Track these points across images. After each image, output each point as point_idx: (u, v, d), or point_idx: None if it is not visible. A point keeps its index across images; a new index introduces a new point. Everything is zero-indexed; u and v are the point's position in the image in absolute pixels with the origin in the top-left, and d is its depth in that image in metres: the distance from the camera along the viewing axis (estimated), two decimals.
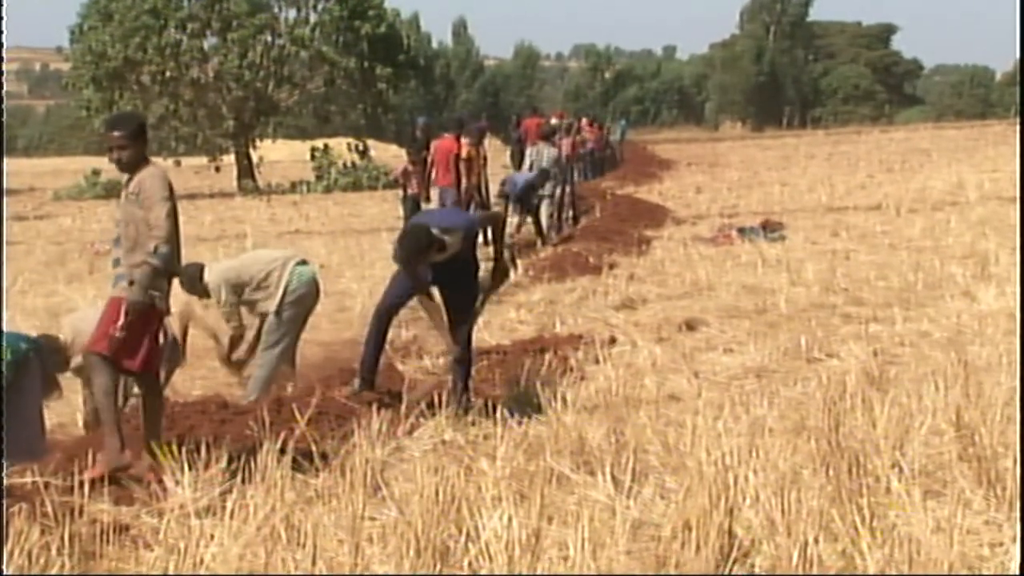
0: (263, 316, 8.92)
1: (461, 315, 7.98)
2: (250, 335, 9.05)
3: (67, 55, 41.93)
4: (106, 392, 6.36)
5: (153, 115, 39.38)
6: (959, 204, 20.30)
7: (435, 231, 7.78)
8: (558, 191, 18.67)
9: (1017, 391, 6.58)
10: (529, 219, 17.85)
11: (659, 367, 8.98)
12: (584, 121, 33.01)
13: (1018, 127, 31.59)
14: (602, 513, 5.31)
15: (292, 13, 40.46)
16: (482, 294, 8.20)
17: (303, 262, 9.05)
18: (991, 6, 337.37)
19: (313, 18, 40.13)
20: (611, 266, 14.65)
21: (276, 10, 40.27)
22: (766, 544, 4.83)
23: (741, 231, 17.37)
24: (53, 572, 4.91)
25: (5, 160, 43.44)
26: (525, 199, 17.42)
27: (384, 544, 5.08)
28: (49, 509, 5.35)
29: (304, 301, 8.93)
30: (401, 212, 19.93)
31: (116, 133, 6.39)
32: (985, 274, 12.38)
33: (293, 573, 4.84)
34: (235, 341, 9.02)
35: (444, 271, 7.90)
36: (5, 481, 5.88)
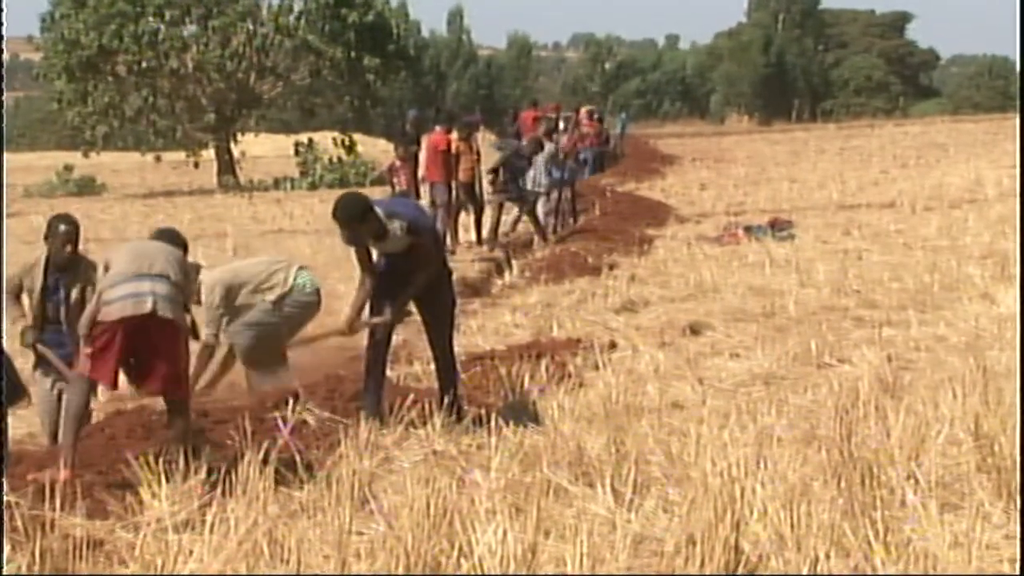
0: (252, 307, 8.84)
1: (437, 328, 7.85)
2: (214, 365, 8.93)
3: (38, 44, 41.85)
4: (71, 410, 6.57)
5: (130, 108, 39.39)
6: (977, 201, 20.33)
7: (378, 210, 7.53)
8: (555, 190, 18.67)
9: None
10: (525, 216, 17.88)
11: (662, 373, 8.98)
12: (583, 112, 32.93)
13: (1017, 123, 31.58)
14: (602, 527, 5.32)
15: (276, 0, 40.48)
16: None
17: (306, 269, 9.11)
18: None
19: (298, 6, 40.09)
20: (611, 267, 14.67)
21: None
22: (774, 559, 4.83)
23: (748, 230, 17.40)
24: None
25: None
26: (522, 194, 17.44)
27: (372, 560, 5.07)
28: (19, 523, 5.34)
29: (309, 308, 8.95)
30: None
31: None
32: (1005, 275, 12.38)
33: None
34: (204, 356, 8.67)
35: (405, 272, 7.66)
36: None
